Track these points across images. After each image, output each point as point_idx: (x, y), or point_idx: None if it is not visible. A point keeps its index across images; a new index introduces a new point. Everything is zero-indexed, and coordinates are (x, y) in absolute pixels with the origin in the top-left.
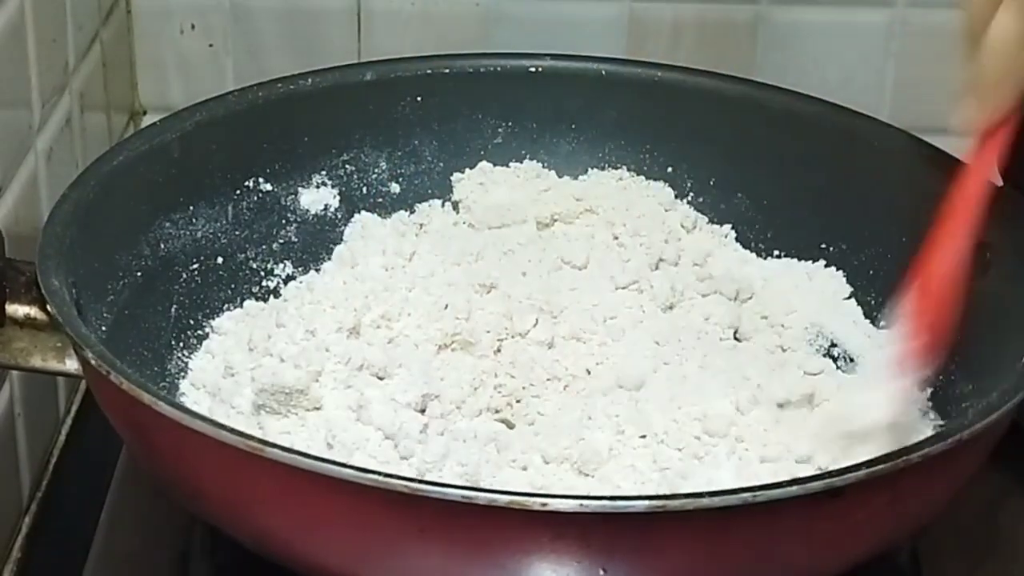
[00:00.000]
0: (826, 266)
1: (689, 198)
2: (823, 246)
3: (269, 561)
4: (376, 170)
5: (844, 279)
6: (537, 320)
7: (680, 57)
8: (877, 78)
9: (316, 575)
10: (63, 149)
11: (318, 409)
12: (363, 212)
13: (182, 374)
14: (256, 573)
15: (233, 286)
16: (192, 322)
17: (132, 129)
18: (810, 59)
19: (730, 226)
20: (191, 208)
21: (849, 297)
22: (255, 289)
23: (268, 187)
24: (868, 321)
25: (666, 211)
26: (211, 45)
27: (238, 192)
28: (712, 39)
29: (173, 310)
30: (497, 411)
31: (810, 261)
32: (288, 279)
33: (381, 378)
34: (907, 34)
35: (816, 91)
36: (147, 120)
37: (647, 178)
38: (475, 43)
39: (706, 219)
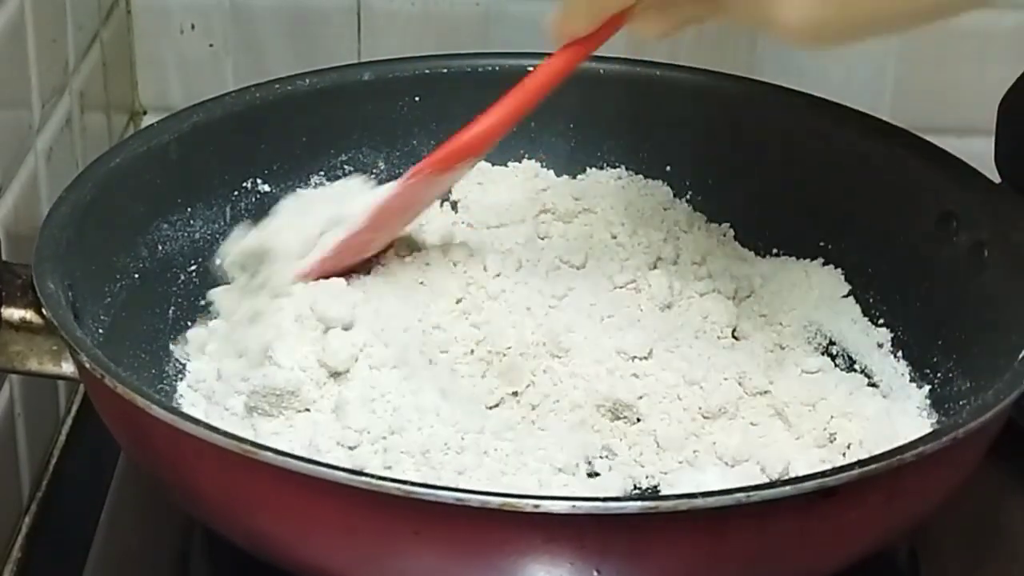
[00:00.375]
0: (824, 264)
1: (687, 197)
2: (821, 244)
3: (265, 562)
4: (375, 170)
5: (842, 277)
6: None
7: (680, 57)
8: (877, 78)
9: None
10: (63, 149)
11: (308, 411)
12: None
13: (180, 376)
14: (256, 574)
15: None
16: (190, 324)
17: (132, 129)
18: (810, 59)
19: (728, 224)
20: (189, 210)
21: (848, 295)
22: None
23: (266, 188)
24: (867, 319)
25: (664, 210)
26: (211, 45)
27: (236, 193)
28: (712, 39)
29: (171, 312)
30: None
31: (808, 259)
32: None
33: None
34: (907, 34)
35: (816, 91)
36: (147, 120)
37: (645, 177)
38: (475, 43)
39: (704, 218)
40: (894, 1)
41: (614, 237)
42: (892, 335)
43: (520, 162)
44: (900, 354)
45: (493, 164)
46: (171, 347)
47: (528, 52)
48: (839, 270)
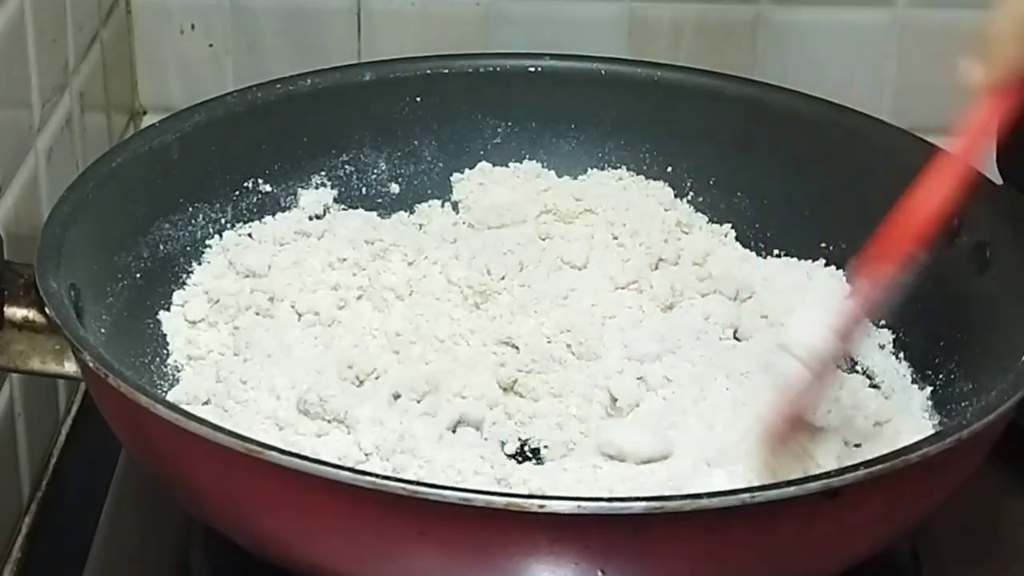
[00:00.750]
0: (826, 265)
1: (689, 198)
2: (823, 245)
3: (268, 562)
4: (376, 170)
5: (843, 278)
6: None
7: (680, 57)
8: (877, 78)
9: None
10: (63, 149)
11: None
12: (362, 212)
13: (180, 377)
14: (256, 573)
15: None
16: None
17: (132, 129)
18: (810, 59)
19: (730, 225)
20: (190, 209)
21: (849, 296)
22: None
23: (267, 188)
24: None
25: (666, 211)
26: (211, 45)
27: (237, 193)
28: (712, 39)
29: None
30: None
31: (810, 260)
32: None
33: (378, 377)
34: (907, 34)
35: (816, 91)
36: (147, 120)
37: (647, 178)
38: (475, 43)
39: (706, 219)
40: None
41: (615, 238)
42: (894, 336)
43: (521, 163)
44: (902, 355)
45: (494, 165)
46: (172, 345)
47: (528, 52)
48: (840, 271)
